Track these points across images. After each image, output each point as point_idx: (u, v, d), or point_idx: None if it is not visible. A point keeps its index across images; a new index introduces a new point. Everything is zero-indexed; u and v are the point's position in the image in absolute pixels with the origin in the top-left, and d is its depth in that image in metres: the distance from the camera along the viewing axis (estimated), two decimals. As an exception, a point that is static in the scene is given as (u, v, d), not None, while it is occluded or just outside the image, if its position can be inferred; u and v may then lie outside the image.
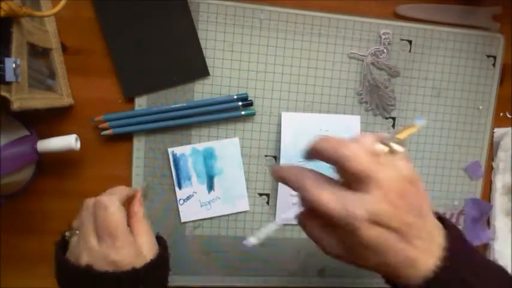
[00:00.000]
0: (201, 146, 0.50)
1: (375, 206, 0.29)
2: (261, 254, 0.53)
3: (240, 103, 0.50)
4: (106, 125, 0.48)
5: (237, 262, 0.53)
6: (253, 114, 0.51)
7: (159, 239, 0.41)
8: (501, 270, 0.35)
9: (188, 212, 0.51)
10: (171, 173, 0.50)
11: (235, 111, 0.50)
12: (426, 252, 0.31)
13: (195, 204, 0.51)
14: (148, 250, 0.38)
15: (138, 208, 0.41)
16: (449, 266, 0.31)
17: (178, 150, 0.50)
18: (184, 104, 0.49)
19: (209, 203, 0.51)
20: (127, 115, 0.48)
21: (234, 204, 0.52)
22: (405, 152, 0.33)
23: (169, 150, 0.50)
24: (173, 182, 0.51)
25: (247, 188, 0.52)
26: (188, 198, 0.51)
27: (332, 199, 0.30)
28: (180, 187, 0.51)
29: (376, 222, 0.29)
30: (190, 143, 0.50)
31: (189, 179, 0.50)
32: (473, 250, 0.34)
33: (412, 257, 0.31)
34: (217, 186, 0.51)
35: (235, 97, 0.50)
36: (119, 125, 0.48)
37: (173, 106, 0.49)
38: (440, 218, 0.35)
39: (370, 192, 0.30)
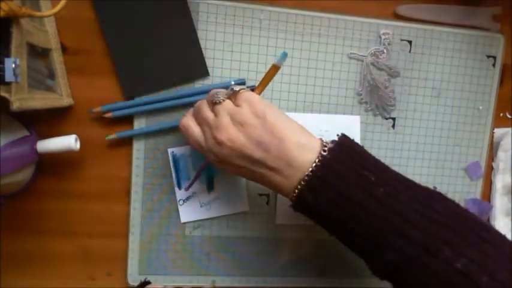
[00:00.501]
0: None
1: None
2: (261, 254, 0.53)
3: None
4: (109, 114, 0.48)
5: (237, 262, 0.53)
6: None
7: None
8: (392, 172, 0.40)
9: (188, 212, 0.51)
10: (171, 173, 0.50)
11: None
12: (288, 177, 0.38)
13: (195, 205, 0.51)
14: None
15: None
16: (316, 177, 0.37)
17: (178, 150, 0.50)
18: (183, 93, 0.49)
19: (209, 203, 0.51)
20: (126, 104, 0.48)
21: (234, 204, 0.52)
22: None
23: (169, 150, 0.50)
24: (173, 182, 0.51)
25: (247, 188, 0.52)
26: (188, 198, 0.51)
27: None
28: (179, 187, 0.51)
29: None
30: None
31: (189, 179, 0.50)
32: (352, 153, 0.39)
33: (274, 182, 0.39)
34: (217, 186, 0.51)
35: (232, 82, 0.50)
36: (117, 108, 0.48)
37: (172, 94, 0.49)
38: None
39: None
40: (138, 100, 0.49)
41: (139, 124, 0.49)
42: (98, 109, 0.48)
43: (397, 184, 0.38)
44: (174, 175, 0.50)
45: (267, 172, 0.39)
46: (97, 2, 0.47)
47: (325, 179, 0.37)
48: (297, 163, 0.38)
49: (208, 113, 0.41)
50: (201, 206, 0.51)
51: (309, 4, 0.51)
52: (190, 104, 0.49)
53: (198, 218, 0.51)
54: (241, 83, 0.50)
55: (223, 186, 0.51)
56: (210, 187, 0.51)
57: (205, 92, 0.49)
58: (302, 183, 0.37)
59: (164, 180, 0.51)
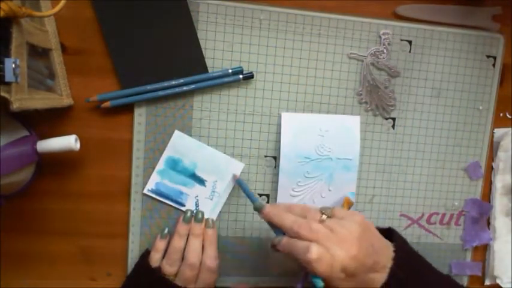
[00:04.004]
0: (161, 164, 0.50)
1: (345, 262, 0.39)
2: (261, 254, 0.53)
3: (241, 76, 0.50)
4: (107, 104, 0.48)
5: (237, 262, 0.53)
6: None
7: None
8: (437, 272, 0.47)
9: (206, 212, 0.51)
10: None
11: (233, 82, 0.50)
12: (382, 270, 0.42)
13: (205, 203, 0.51)
14: None
15: None
16: (395, 274, 0.41)
17: (151, 184, 0.50)
18: (182, 81, 0.49)
19: (213, 191, 0.51)
20: (123, 93, 0.48)
21: (230, 172, 0.51)
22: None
23: (148, 186, 0.50)
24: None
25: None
26: (196, 205, 0.51)
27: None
28: (182, 206, 0.51)
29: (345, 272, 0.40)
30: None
31: (182, 193, 0.51)
32: (415, 253, 0.46)
33: (371, 279, 0.41)
34: (204, 174, 0.51)
35: (230, 71, 0.50)
36: (115, 97, 0.48)
37: (170, 83, 0.49)
38: (390, 230, 0.48)
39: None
40: (137, 88, 0.48)
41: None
42: (95, 98, 0.47)
43: None
44: (169, 202, 0.50)
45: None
46: (97, 2, 0.47)
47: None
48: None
49: (323, 228, 0.41)
50: (211, 200, 0.51)
51: (309, 4, 0.51)
52: (190, 92, 0.49)
53: (217, 211, 0.51)
54: (239, 71, 0.50)
55: (208, 169, 0.51)
56: (200, 182, 0.51)
57: (205, 79, 0.49)
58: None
59: (164, 180, 0.51)
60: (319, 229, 0.40)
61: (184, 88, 0.49)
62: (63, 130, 0.48)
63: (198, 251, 0.47)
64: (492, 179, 0.59)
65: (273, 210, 0.44)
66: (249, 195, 0.48)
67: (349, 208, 0.52)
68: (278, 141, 0.52)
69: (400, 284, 0.41)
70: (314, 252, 0.38)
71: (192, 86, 0.49)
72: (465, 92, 0.56)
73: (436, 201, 0.57)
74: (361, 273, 0.40)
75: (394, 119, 0.55)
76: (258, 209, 0.45)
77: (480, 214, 0.58)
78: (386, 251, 0.43)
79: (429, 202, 0.57)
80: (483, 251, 0.60)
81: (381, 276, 0.41)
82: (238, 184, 0.50)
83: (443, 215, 0.58)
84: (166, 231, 0.48)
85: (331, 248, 0.39)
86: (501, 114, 0.58)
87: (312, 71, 0.52)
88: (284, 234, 0.43)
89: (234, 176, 0.50)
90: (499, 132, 0.58)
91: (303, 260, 0.39)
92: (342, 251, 0.39)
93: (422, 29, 0.53)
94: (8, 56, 0.34)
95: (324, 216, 0.42)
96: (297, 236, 0.41)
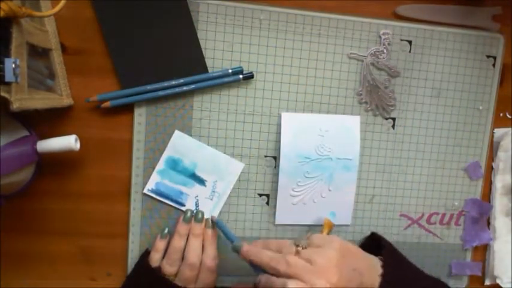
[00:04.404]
0: (161, 163, 0.50)
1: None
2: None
3: (241, 76, 0.50)
4: (107, 104, 0.48)
5: (237, 262, 0.53)
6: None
7: None
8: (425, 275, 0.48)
9: (206, 212, 0.51)
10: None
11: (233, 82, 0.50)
12: (370, 286, 0.41)
13: (205, 203, 0.51)
14: None
15: None
16: (386, 286, 0.41)
17: (151, 184, 0.50)
18: (182, 81, 0.49)
19: (213, 191, 0.51)
20: (123, 93, 0.48)
21: (230, 172, 0.51)
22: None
23: (148, 186, 0.50)
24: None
25: (246, 189, 0.52)
26: (197, 205, 0.51)
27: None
28: (182, 206, 0.51)
29: None
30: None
31: (182, 193, 0.51)
32: (403, 263, 0.47)
33: None
34: (205, 174, 0.51)
35: (230, 71, 0.50)
36: (115, 97, 0.48)
37: (170, 83, 0.49)
38: (378, 238, 0.50)
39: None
40: (137, 88, 0.48)
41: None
42: (95, 98, 0.47)
43: None
44: (170, 202, 0.51)
45: None
46: (97, 2, 0.47)
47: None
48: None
49: (299, 261, 0.40)
50: (211, 200, 0.51)
51: (309, 4, 0.51)
52: (190, 92, 0.49)
53: (218, 211, 0.51)
54: (239, 71, 0.50)
55: (208, 169, 0.51)
56: (200, 182, 0.51)
57: (205, 79, 0.49)
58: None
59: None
60: (296, 262, 0.40)
61: (184, 88, 0.49)
62: (63, 130, 0.48)
63: (198, 251, 0.47)
64: (492, 179, 0.59)
65: (251, 249, 0.44)
66: (227, 236, 0.48)
67: (329, 231, 0.51)
68: (278, 141, 0.52)
69: None
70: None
71: (192, 86, 0.49)
72: (465, 92, 0.56)
73: (436, 201, 0.57)
74: None
75: (394, 119, 0.55)
76: (237, 250, 0.45)
77: (480, 214, 0.58)
78: (372, 270, 0.42)
79: (429, 202, 0.57)
80: (483, 251, 0.60)
81: None
82: (217, 225, 0.50)
83: (443, 215, 0.58)
84: (166, 231, 0.48)
85: (310, 280, 0.38)
86: (501, 114, 0.58)
87: (312, 71, 0.52)
88: (263, 272, 0.43)
89: (212, 217, 0.50)
90: (499, 132, 0.58)
91: None
92: (321, 281, 0.38)
93: (422, 29, 0.53)
94: (8, 56, 0.34)
95: (300, 248, 0.42)
96: (276, 273, 0.41)
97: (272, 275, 0.41)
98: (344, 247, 0.42)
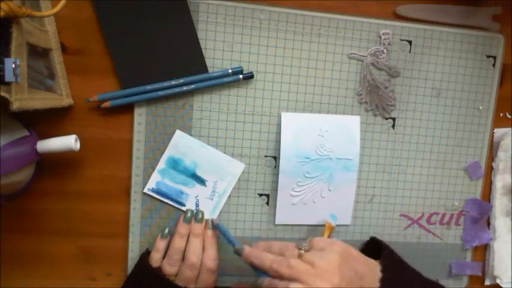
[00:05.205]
0: (162, 163, 0.50)
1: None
2: (260, 254, 0.54)
3: (241, 76, 0.50)
4: (107, 104, 0.48)
5: (237, 262, 0.53)
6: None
7: None
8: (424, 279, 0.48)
9: (206, 212, 0.51)
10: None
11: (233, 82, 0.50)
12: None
13: (205, 203, 0.51)
14: None
15: None
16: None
17: (151, 183, 0.50)
18: (182, 81, 0.49)
19: (213, 191, 0.51)
20: (123, 93, 0.48)
21: (230, 172, 0.51)
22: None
23: (149, 185, 0.50)
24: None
25: (246, 189, 0.52)
26: (197, 205, 0.51)
27: None
28: (183, 205, 0.51)
29: None
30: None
31: (182, 193, 0.51)
32: (403, 267, 0.47)
33: None
34: (205, 174, 0.51)
35: (230, 71, 0.50)
36: (115, 97, 0.48)
37: (170, 83, 0.49)
38: (375, 242, 0.51)
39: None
40: (137, 88, 0.48)
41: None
42: (95, 98, 0.47)
43: None
44: (170, 202, 0.51)
45: None
46: (97, 2, 0.47)
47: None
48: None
49: (302, 264, 0.41)
50: (211, 200, 0.51)
51: (309, 4, 0.51)
52: (190, 92, 0.49)
53: (217, 211, 0.51)
54: (239, 71, 0.50)
55: (208, 169, 0.52)
56: (201, 181, 0.51)
57: (205, 79, 0.49)
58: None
59: (164, 180, 0.51)
60: (298, 265, 0.40)
61: (184, 88, 0.49)
62: (63, 130, 0.48)
63: (198, 251, 0.47)
64: (492, 179, 0.59)
65: (252, 252, 0.44)
66: (228, 239, 0.48)
67: (330, 233, 0.51)
68: (278, 141, 0.52)
69: None
70: None
71: (192, 86, 0.49)
72: (465, 92, 0.56)
73: (436, 201, 0.57)
74: None
75: (394, 119, 0.55)
76: (238, 253, 0.45)
77: (480, 214, 0.58)
78: (372, 274, 0.43)
79: (429, 202, 0.57)
80: (483, 251, 0.60)
81: None
82: (218, 228, 0.49)
83: (443, 215, 0.58)
84: (167, 231, 0.48)
85: (312, 282, 0.39)
86: (501, 114, 0.58)
87: (312, 71, 0.52)
88: (265, 275, 0.43)
89: (213, 220, 0.50)
90: (499, 132, 0.58)
91: None
92: (323, 283, 0.39)
93: (422, 29, 0.53)
94: (8, 56, 0.35)
95: (302, 251, 0.42)
96: (278, 275, 0.41)
97: (274, 277, 0.41)
98: (346, 251, 0.42)
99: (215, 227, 0.49)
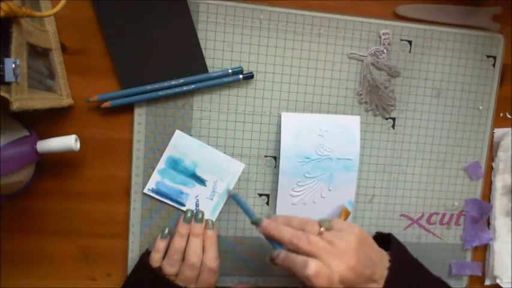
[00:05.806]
0: (161, 163, 0.50)
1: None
2: (261, 254, 0.53)
3: (241, 76, 0.50)
4: (107, 104, 0.48)
5: (237, 262, 0.53)
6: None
7: None
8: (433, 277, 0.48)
9: (206, 212, 0.51)
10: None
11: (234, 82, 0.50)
12: (379, 280, 0.42)
13: (205, 203, 0.51)
14: None
15: None
16: (390, 284, 0.42)
17: (151, 183, 0.50)
18: (182, 81, 0.49)
19: (213, 191, 0.51)
20: (122, 93, 0.48)
21: (230, 172, 0.51)
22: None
23: (149, 186, 0.50)
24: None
25: (246, 189, 0.52)
26: (197, 205, 0.51)
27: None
28: (182, 205, 0.51)
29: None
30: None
31: (182, 193, 0.51)
32: (411, 259, 0.47)
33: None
34: (205, 174, 0.51)
35: (230, 71, 0.49)
36: (115, 97, 0.48)
37: (170, 83, 0.49)
38: (383, 236, 0.50)
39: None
40: (137, 88, 0.48)
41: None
42: (95, 98, 0.47)
43: None
44: (170, 202, 0.51)
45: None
46: (97, 2, 0.47)
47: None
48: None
49: (321, 241, 0.41)
50: (211, 200, 0.51)
51: (309, 4, 0.51)
52: (190, 92, 0.49)
53: (217, 212, 0.51)
54: (239, 71, 0.50)
55: (208, 169, 0.51)
56: (201, 181, 0.51)
57: (205, 79, 0.49)
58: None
59: (164, 180, 0.51)
60: (317, 242, 0.40)
61: (184, 88, 0.49)
62: (63, 130, 0.48)
63: (198, 251, 0.47)
64: (492, 179, 0.59)
65: (271, 223, 0.44)
66: (246, 210, 0.48)
67: (346, 217, 0.53)
68: (278, 141, 0.52)
69: None
70: (312, 268, 0.38)
71: (192, 86, 0.49)
72: (465, 92, 0.56)
73: (436, 201, 0.57)
74: (359, 283, 0.40)
75: (394, 119, 0.55)
76: (256, 223, 0.45)
77: (480, 214, 0.58)
78: (382, 262, 0.43)
79: (429, 202, 0.57)
80: (483, 251, 0.60)
81: (378, 286, 0.42)
82: (234, 199, 0.50)
83: (443, 215, 0.58)
84: (167, 231, 0.48)
85: (330, 261, 0.39)
86: (501, 114, 0.58)
87: (312, 71, 0.52)
88: (282, 247, 0.43)
89: (229, 191, 0.50)
90: (499, 132, 0.58)
91: (301, 275, 0.39)
92: (340, 263, 0.39)
93: (422, 29, 0.53)
94: (8, 56, 0.35)
95: (323, 229, 0.42)
96: (296, 249, 0.41)
97: (291, 251, 0.42)
98: (363, 235, 0.43)
99: (232, 198, 0.49)
